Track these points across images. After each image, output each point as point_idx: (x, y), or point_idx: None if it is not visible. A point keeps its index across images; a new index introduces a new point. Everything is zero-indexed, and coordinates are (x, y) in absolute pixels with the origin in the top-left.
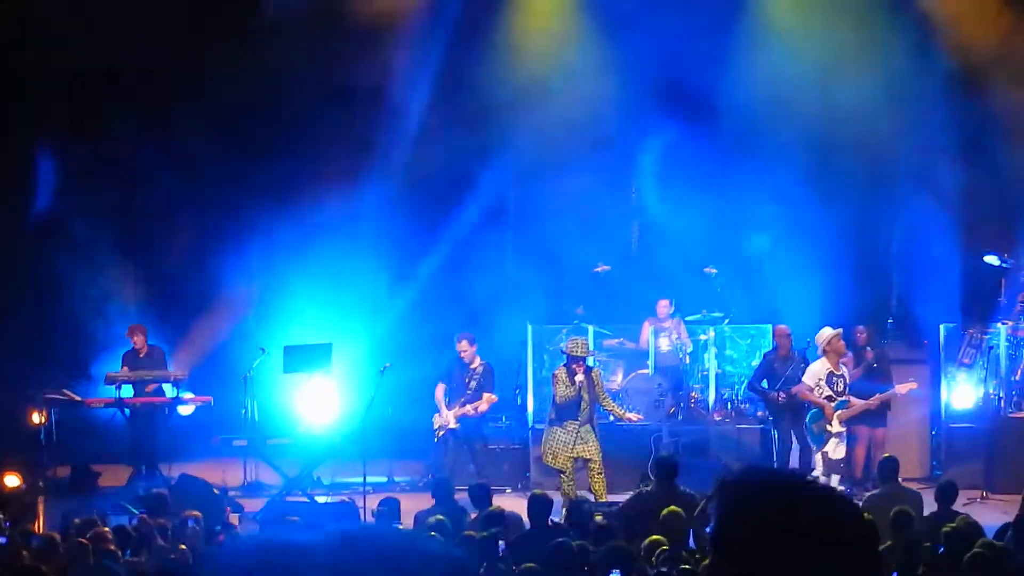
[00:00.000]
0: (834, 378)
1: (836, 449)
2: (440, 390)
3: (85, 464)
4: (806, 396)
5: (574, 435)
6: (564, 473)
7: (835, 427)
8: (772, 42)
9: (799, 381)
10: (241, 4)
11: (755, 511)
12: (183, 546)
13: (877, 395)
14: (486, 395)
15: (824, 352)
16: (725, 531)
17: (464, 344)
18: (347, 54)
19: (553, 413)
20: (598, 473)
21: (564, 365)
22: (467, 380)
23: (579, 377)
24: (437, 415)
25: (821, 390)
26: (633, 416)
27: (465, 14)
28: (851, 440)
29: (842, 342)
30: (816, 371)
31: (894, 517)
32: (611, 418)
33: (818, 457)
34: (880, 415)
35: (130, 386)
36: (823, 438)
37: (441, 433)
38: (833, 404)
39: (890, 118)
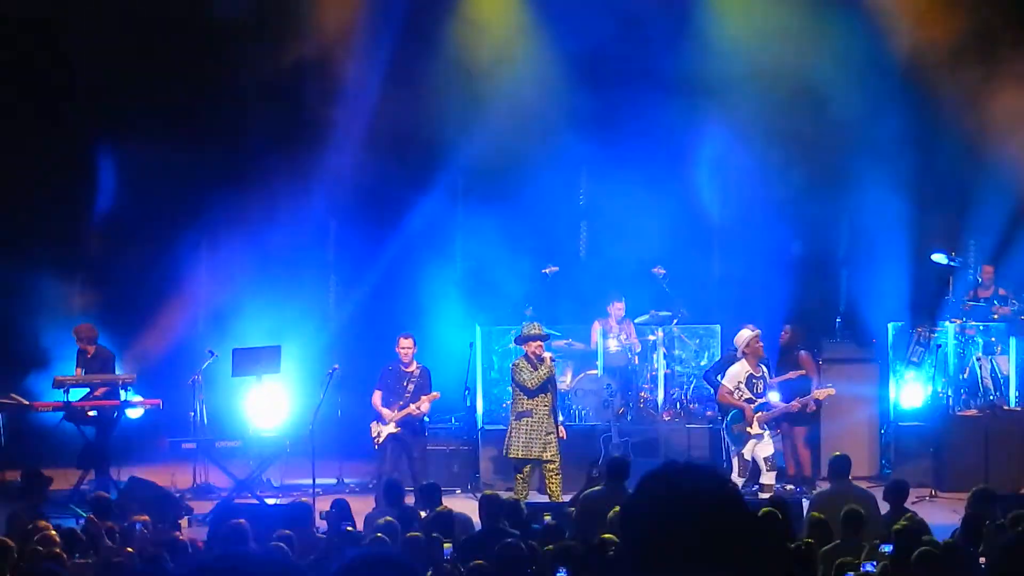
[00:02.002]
0: (753, 380)
1: (758, 448)
2: (377, 397)
3: (36, 468)
4: (726, 399)
5: (543, 424)
6: (522, 473)
7: (755, 429)
8: (720, 37)
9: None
10: (187, 8)
11: (649, 499)
12: (130, 549)
13: (797, 400)
14: (431, 393)
15: (743, 354)
16: (626, 514)
17: (409, 342)
18: (293, 62)
19: (520, 405)
20: (556, 474)
21: (523, 356)
22: (404, 383)
23: (547, 354)
24: (375, 423)
25: (741, 392)
26: (561, 431)
27: (411, 21)
28: (787, 440)
29: (760, 344)
30: (735, 373)
31: (844, 515)
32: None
33: (736, 459)
34: (802, 414)
35: (79, 389)
36: (741, 439)
37: (380, 440)
38: (753, 406)
39: (838, 115)
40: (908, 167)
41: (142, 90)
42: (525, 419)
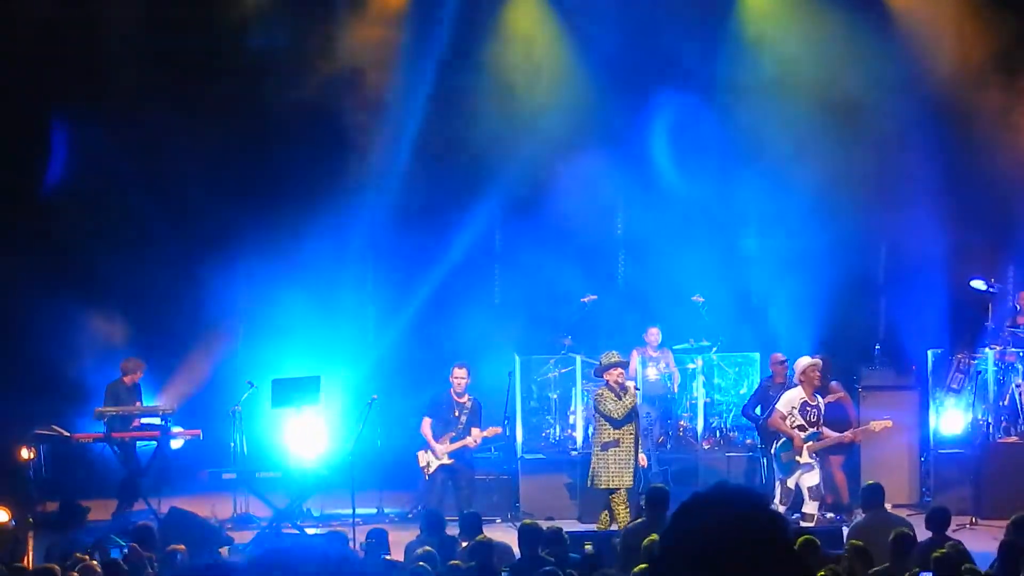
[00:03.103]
0: (808, 408)
1: (803, 477)
2: (427, 424)
3: (73, 499)
4: (777, 425)
5: (630, 453)
6: (617, 495)
7: (804, 458)
8: (757, 61)
9: None
10: (227, 36)
11: (696, 523)
12: None
13: (851, 431)
14: (491, 428)
15: (800, 381)
16: (670, 537)
17: (463, 372)
18: (334, 88)
19: (607, 435)
20: (626, 503)
21: (604, 384)
22: (457, 414)
23: (630, 383)
24: (422, 452)
25: (793, 419)
26: (642, 459)
27: (451, 46)
28: (823, 467)
29: (818, 372)
30: (790, 399)
31: (895, 539)
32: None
33: (779, 486)
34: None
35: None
36: (790, 468)
37: (431, 471)
38: (804, 435)
39: (877, 139)
40: (947, 192)
41: (177, 113)
42: (612, 449)
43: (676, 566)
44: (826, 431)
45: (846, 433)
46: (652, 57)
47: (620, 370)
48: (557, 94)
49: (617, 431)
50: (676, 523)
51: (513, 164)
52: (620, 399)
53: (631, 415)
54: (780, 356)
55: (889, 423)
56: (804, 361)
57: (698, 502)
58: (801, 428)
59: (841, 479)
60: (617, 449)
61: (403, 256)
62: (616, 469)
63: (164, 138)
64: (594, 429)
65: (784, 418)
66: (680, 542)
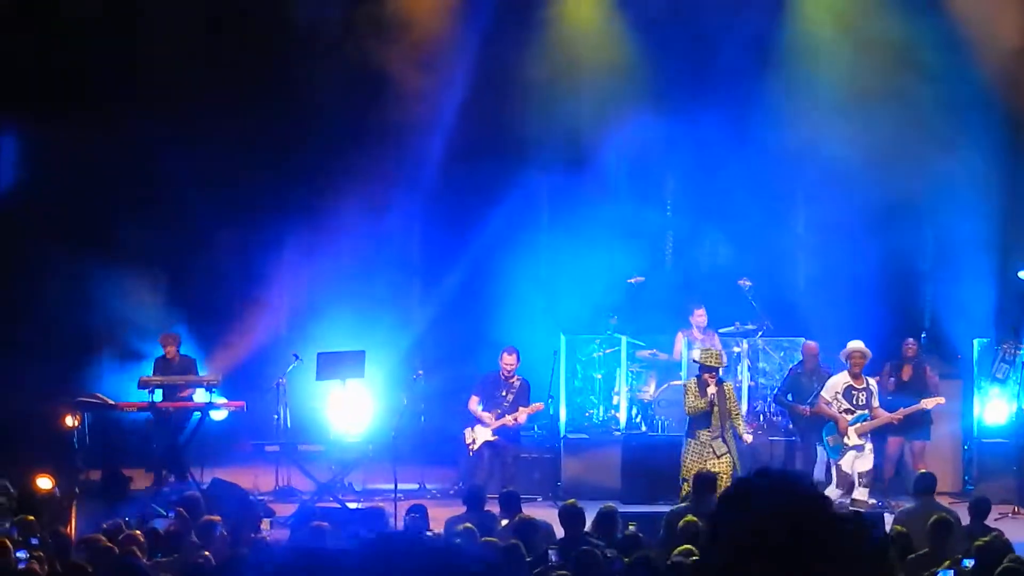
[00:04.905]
0: (853, 391)
1: (856, 462)
2: (474, 402)
3: (116, 468)
4: (822, 410)
5: (706, 448)
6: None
7: (852, 440)
8: (809, 50)
9: None
10: (271, 6)
11: (745, 509)
12: (207, 552)
13: (901, 409)
14: (533, 405)
15: (847, 365)
16: (719, 524)
17: (513, 358)
18: (380, 57)
19: (687, 425)
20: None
21: (696, 376)
22: (504, 393)
23: (711, 388)
24: (469, 429)
25: (839, 403)
26: (748, 437)
27: (500, 16)
28: (880, 454)
29: (861, 359)
30: (833, 384)
31: (933, 524)
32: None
33: (834, 470)
34: (919, 427)
35: (162, 391)
36: (839, 450)
37: (475, 447)
38: (851, 417)
39: (925, 129)
40: (995, 182)
41: (221, 93)
42: (689, 440)
43: (726, 549)
44: (876, 412)
45: (896, 413)
46: (704, 15)
47: (713, 376)
48: (609, 59)
49: (694, 424)
50: (723, 508)
51: (561, 138)
52: (697, 397)
53: (704, 420)
54: (814, 346)
55: (942, 400)
56: (850, 346)
57: (744, 487)
58: (848, 412)
59: (920, 466)
60: (694, 442)
61: (449, 231)
62: (688, 463)
63: (206, 111)
64: None
65: (828, 404)
66: (728, 526)
